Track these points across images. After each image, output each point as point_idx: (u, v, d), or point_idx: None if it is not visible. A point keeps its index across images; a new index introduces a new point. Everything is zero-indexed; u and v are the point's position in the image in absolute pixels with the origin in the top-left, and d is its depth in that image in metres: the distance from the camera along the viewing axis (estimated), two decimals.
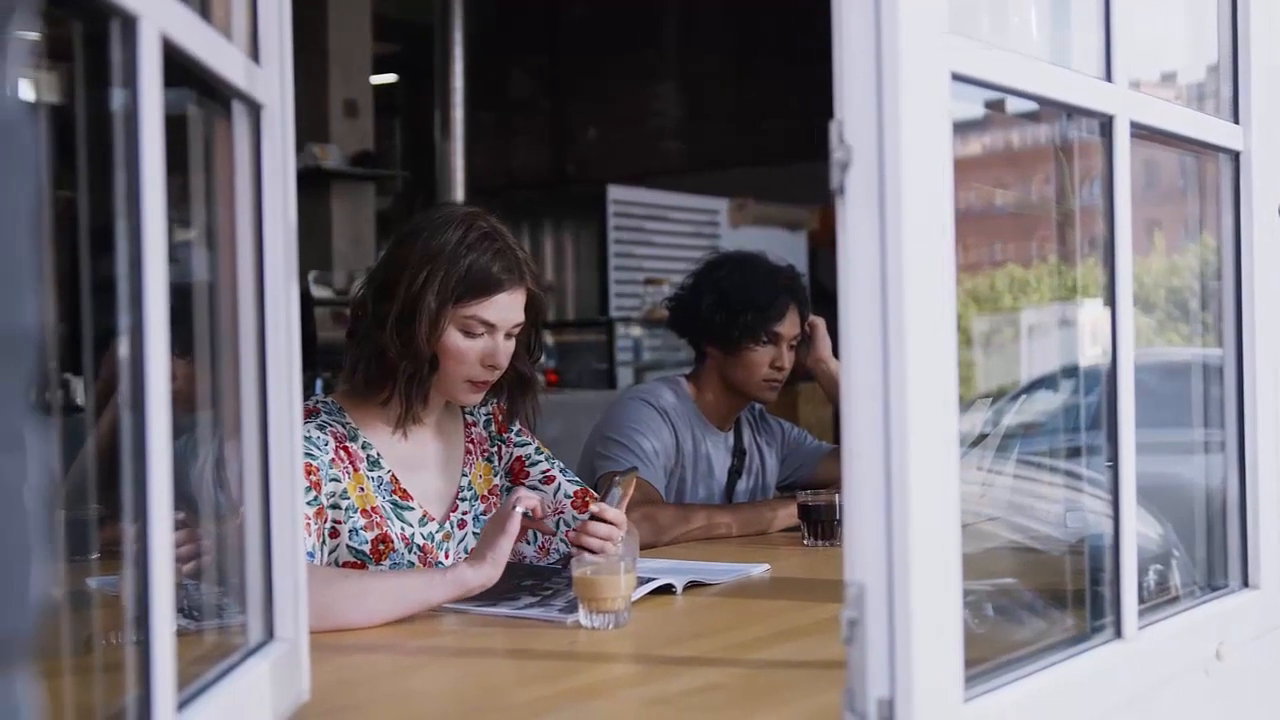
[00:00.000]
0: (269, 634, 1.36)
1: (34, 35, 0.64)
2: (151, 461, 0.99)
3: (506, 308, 2.18)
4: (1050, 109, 1.58)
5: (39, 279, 0.59)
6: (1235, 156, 1.80)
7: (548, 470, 2.38)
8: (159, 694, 1.00)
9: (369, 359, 2.18)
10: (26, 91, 0.61)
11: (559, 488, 2.35)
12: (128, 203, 0.98)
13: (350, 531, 2.13)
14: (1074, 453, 1.93)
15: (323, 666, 1.48)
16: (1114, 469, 1.52)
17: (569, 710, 1.51)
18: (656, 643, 1.83)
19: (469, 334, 2.16)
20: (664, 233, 8.23)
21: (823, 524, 2.63)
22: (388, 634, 1.85)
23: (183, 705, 1.07)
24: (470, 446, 2.34)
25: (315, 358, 4.81)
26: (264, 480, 1.36)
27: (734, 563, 2.37)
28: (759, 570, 2.33)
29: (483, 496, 2.33)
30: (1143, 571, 1.60)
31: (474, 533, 2.28)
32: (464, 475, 2.32)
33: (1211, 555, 1.86)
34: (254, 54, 1.33)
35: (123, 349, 0.98)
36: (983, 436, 2.25)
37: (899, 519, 1.15)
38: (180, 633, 1.05)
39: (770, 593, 2.24)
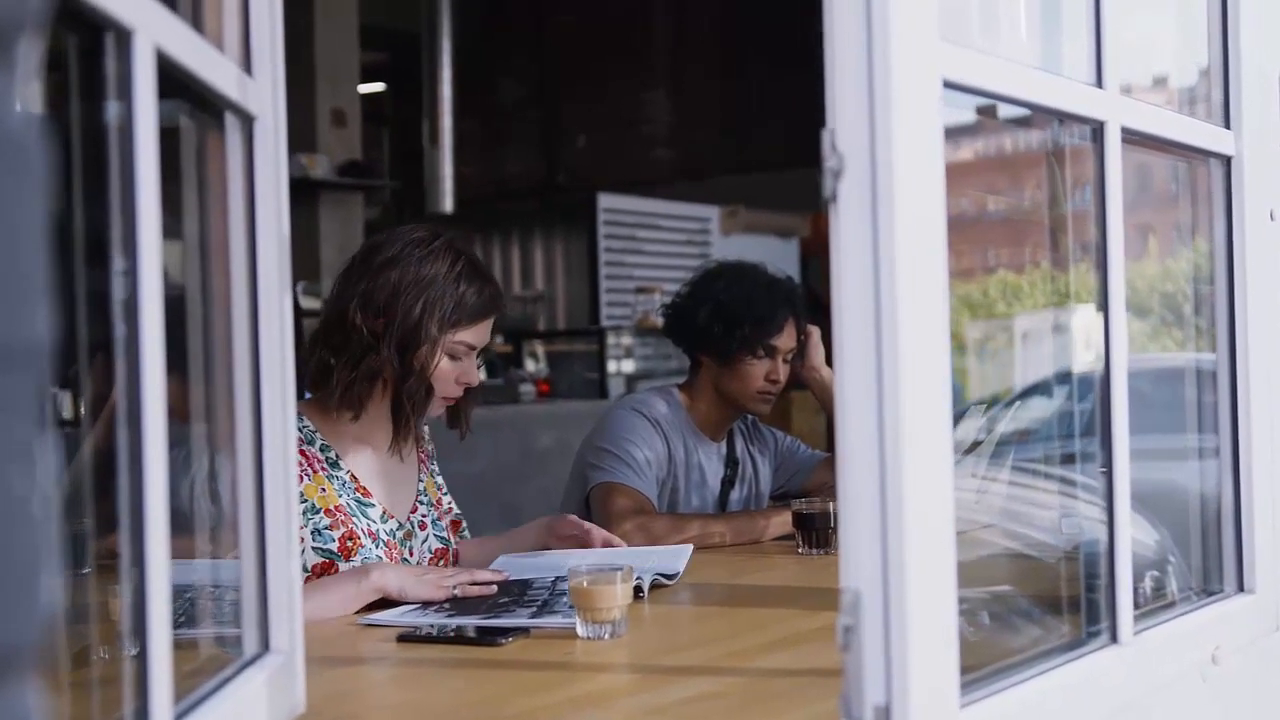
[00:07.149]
0: (264, 646, 1.36)
1: (41, 47, 0.64)
2: (148, 475, 0.98)
3: (488, 331, 2.31)
4: (1041, 115, 1.59)
5: (48, 291, 0.60)
6: (1227, 161, 1.81)
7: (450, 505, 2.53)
8: (156, 707, 0.99)
9: (364, 379, 2.23)
10: (35, 103, 0.61)
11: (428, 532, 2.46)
12: (123, 214, 0.98)
13: (314, 533, 2.18)
14: (1069, 459, 1.93)
15: (317, 678, 1.48)
16: (1109, 474, 1.52)
17: None
18: (653, 652, 1.82)
19: (453, 357, 2.27)
20: (655, 241, 8.22)
21: (817, 532, 2.62)
22: (383, 646, 1.85)
23: (179, 718, 1.07)
24: (423, 458, 2.45)
25: (304, 369, 4.84)
26: (258, 493, 1.35)
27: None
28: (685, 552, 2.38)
29: (434, 504, 2.43)
30: (1138, 577, 1.60)
31: (435, 535, 2.39)
32: (420, 481, 2.42)
33: (1206, 560, 1.86)
34: (246, 65, 1.33)
35: (119, 362, 0.97)
36: (977, 443, 2.25)
37: (894, 525, 1.15)
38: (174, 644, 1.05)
39: (766, 601, 2.23)
